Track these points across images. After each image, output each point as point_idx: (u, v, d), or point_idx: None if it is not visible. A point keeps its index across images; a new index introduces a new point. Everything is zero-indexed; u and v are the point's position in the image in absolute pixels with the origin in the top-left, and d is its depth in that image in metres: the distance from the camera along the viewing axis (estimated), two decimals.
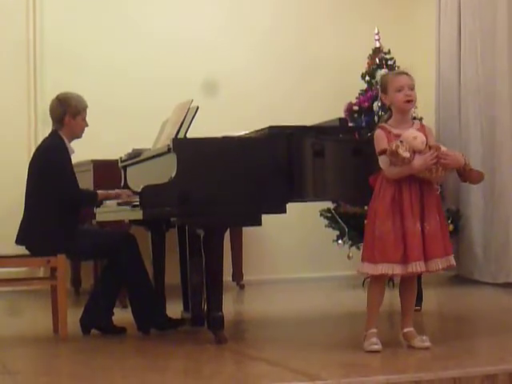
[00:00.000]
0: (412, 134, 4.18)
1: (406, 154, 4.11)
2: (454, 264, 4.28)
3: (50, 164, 5.08)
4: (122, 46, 7.73)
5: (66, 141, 5.18)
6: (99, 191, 5.26)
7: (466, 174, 4.29)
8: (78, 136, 5.25)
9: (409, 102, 4.25)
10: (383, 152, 4.19)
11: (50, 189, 5.03)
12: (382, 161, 4.22)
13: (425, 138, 4.19)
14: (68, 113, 5.14)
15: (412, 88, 4.27)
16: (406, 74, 4.37)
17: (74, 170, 5.20)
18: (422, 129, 4.31)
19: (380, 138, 4.25)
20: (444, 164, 4.17)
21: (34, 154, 5.24)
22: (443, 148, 4.23)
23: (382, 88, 4.38)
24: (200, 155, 4.56)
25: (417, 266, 4.14)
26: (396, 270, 4.16)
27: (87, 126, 5.24)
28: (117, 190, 5.30)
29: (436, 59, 7.98)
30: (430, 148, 4.17)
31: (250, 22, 8.12)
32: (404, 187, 4.20)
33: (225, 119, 7.31)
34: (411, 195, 4.19)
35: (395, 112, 4.32)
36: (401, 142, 4.15)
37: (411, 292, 4.37)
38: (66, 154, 5.14)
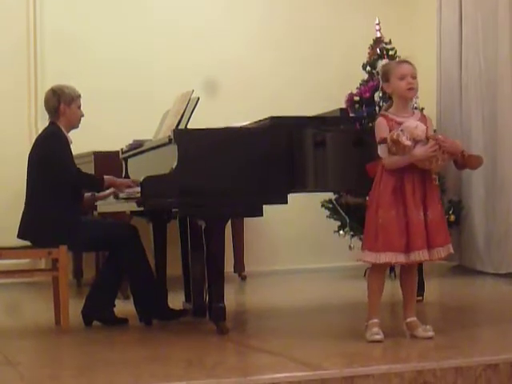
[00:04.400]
0: (413, 123, 4.19)
1: (408, 143, 4.12)
2: (452, 251, 4.31)
3: (48, 152, 5.08)
4: (123, 37, 7.72)
5: (64, 131, 5.18)
6: (106, 176, 5.22)
7: (465, 161, 4.28)
8: (75, 125, 5.25)
9: (411, 89, 4.26)
10: (383, 140, 4.19)
11: (49, 178, 5.03)
12: (382, 150, 4.22)
13: (425, 128, 4.20)
14: (62, 101, 5.15)
15: (414, 77, 4.28)
16: (409, 62, 4.37)
17: (72, 156, 5.18)
18: (424, 119, 4.32)
19: (381, 127, 4.25)
20: (444, 152, 4.16)
21: (33, 145, 5.24)
22: (440, 136, 4.24)
23: (383, 77, 4.36)
24: (201, 146, 4.55)
25: (420, 255, 4.15)
26: (399, 258, 4.16)
27: (83, 115, 5.24)
28: (126, 180, 5.28)
29: (437, 48, 7.96)
30: (427, 138, 4.17)
31: (250, 12, 8.11)
32: (406, 177, 4.20)
33: (226, 110, 7.30)
34: (413, 184, 4.19)
35: (397, 100, 4.32)
36: (401, 130, 4.16)
37: (412, 281, 4.37)
38: (63, 140, 5.14)
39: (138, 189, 4.62)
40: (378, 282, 4.30)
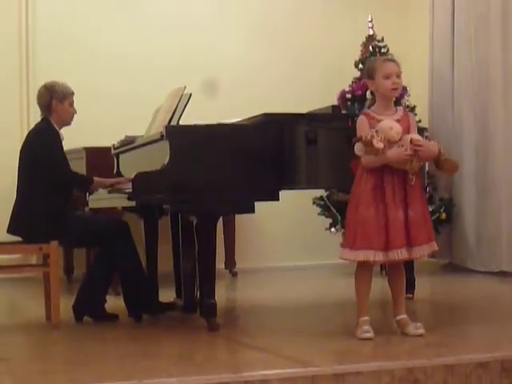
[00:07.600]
0: (388, 124, 4.17)
1: (380, 145, 4.10)
2: (437, 249, 4.31)
3: (39, 147, 5.08)
4: (115, 33, 7.70)
5: (56, 127, 5.17)
6: (96, 178, 5.23)
7: (441, 164, 4.27)
8: (68, 122, 5.24)
9: (395, 89, 4.27)
10: (359, 139, 4.18)
11: (40, 173, 5.02)
12: (358, 148, 4.20)
13: (400, 129, 4.17)
14: (54, 98, 5.15)
15: (399, 76, 4.28)
16: (394, 61, 4.39)
17: (64, 153, 5.17)
18: (406, 117, 4.30)
19: (362, 125, 4.25)
20: (418, 155, 4.15)
21: (24, 140, 5.23)
22: (418, 137, 4.20)
23: (368, 73, 4.37)
24: (193, 142, 4.55)
25: (398, 254, 4.14)
26: (378, 257, 4.16)
27: (75, 112, 5.25)
28: (115, 179, 5.28)
29: (429, 47, 7.96)
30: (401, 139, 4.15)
31: (242, 10, 8.10)
32: (386, 175, 4.20)
33: (218, 107, 7.29)
34: (393, 185, 4.19)
35: (380, 98, 4.33)
36: (376, 131, 4.15)
37: (399, 279, 4.36)
38: (54, 136, 5.13)
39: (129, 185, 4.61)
40: (365, 280, 4.29)
